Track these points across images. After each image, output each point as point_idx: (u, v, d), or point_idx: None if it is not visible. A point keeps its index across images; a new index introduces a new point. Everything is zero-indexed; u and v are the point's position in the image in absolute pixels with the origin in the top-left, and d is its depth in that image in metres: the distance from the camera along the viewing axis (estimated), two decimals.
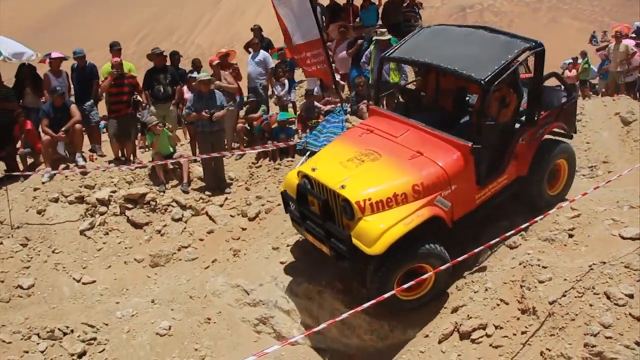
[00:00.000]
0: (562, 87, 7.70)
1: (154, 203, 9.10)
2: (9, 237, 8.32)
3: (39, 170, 9.49)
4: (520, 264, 5.87)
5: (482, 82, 5.93)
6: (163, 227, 8.92)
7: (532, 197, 6.98)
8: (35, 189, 9.10)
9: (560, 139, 7.32)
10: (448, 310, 6.17)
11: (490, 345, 5.37)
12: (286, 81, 11.40)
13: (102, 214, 8.86)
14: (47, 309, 7.32)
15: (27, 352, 6.57)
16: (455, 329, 5.72)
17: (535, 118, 6.69)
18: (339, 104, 10.25)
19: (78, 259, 8.29)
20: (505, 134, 6.62)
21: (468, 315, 5.72)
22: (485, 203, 6.54)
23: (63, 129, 9.35)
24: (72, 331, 6.88)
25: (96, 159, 10.02)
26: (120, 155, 10.02)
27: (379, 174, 6.07)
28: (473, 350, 5.44)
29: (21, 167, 9.93)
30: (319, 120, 10.19)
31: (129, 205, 8.97)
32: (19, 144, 10.08)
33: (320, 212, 6.20)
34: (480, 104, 6.14)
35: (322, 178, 6.24)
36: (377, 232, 5.62)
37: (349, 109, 10.70)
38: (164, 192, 9.29)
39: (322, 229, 6.19)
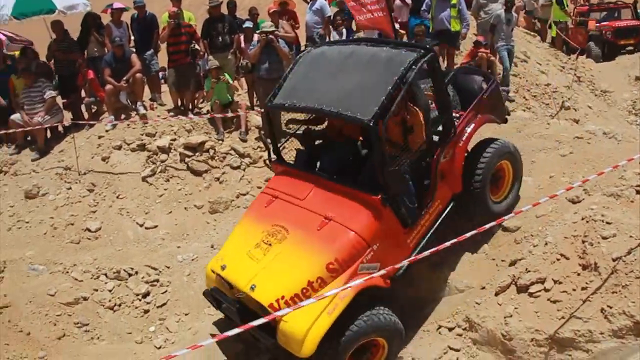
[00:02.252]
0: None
1: (212, 151, 9.24)
2: (76, 183, 8.66)
3: (103, 119, 9.76)
4: (582, 219, 5.67)
5: (368, 124, 5.04)
6: (222, 175, 9.07)
7: (475, 212, 6.34)
8: (99, 137, 9.39)
9: (494, 138, 6.62)
10: (506, 263, 6.08)
11: (548, 299, 5.25)
12: (344, 30, 11.17)
13: (162, 161, 9.07)
14: (113, 251, 7.65)
15: (96, 290, 6.92)
16: (513, 282, 5.64)
17: (450, 129, 5.87)
18: None
19: (141, 205, 8.55)
20: (424, 157, 5.85)
21: (526, 269, 5.61)
22: (424, 238, 5.79)
23: (124, 78, 9.55)
24: (136, 273, 7.18)
25: (156, 107, 10.20)
26: (179, 104, 10.16)
27: (288, 261, 5.32)
28: (530, 304, 5.35)
29: (86, 115, 10.26)
30: None
31: (189, 153, 9.12)
32: (83, 94, 10.38)
33: (239, 319, 5.41)
34: (375, 149, 5.27)
35: (232, 278, 5.55)
36: (300, 333, 4.87)
37: None
38: (223, 140, 9.41)
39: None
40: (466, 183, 6.15)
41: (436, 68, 5.61)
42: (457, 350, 5.64)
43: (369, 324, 5.13)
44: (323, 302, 4.90)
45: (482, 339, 5.56)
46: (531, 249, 5.86)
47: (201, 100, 10.51)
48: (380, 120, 5.05)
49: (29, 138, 9.88)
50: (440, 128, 5.94)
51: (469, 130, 6.18)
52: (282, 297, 5.05)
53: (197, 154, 9.18)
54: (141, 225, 8.27)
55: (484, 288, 5.98)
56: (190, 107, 10.17)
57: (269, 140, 6.56)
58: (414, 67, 5.26)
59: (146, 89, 10.47)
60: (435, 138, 5.91)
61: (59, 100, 10.21)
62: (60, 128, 10.09)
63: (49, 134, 10.02)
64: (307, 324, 4.89)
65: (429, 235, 5.83)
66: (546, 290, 5.32)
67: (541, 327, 5.10)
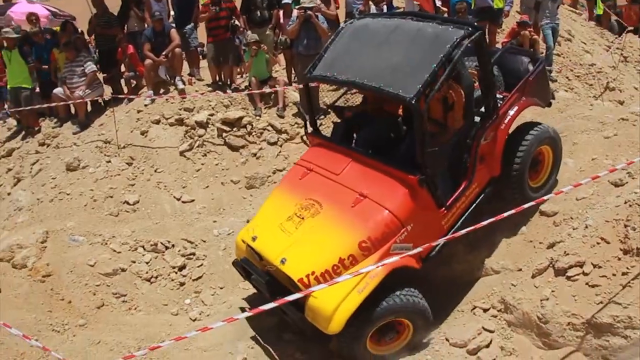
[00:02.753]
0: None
1: (250, 127, 9.27)
2: (116, 156, 8.80)
3: (142, 93, 9.86)
4: (625, 202, 5.52)
5: (410, 102, 4.92)
6: (259, 151, 9.10)
7: (512, 195, 6.18)
8: (138, 111, 9.50)
9: (535, 122, 6.47)
10: (544, 245, 5.98)
11: (587, 284, 5.15)
12: (384, 6, 11.01)
13: (200, 136, 9.13)
14: (150, 224, 7.78)
15: (134, 262, 7.07)
16: (551, 265, 5.54)
17: (493, 111, 5.70)
18: None
19: (178, 179, 8.65)
20: (463, 137, 5.67)
21: (565, 252, 5.50)
22: (459, 220, 5.71)
23: (163, 53, 9.61)
24: (173, 246, 7.30)
25: (195, 82, 10.24)
26: (218, 79, 10.18)
27: (321, 236, 5.30)
28: (568, 287, 5.25)
29: (125, 90, 10.36)
30: None
31: (226, 128, 9.16)
32: (122, 68, 10.49)
33: (268, 292, 5.50)
34: (415, 128, 5.11)
35: (263, 250, 5.55)
36: (329, 310, 4.88)
37: None
38: (260, 116, 9.43)
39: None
40: (505, 167, 5.98)
41: (483, 47, 5.42)
42: (491, 332, 5.59)
43: (395, 305, 5.12)
44: (354, 280, 4.87)
45: (517, 321, 5.50)
46: (570, 232, 5.74)
47: (239, 75, 10.52)
48: (423, 98, 4.95)
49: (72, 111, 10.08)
50: (482, 109, 5.76)
51: (511, 113, 5.99)
52: (313, 273, 5.05)
53: (234, 129, 9.22)
54: (178, 199, 8.37)
55: (520, 270, 5.90)
56: (229, 82, 10.19)
57: (306, 113, 6.54)
58: (460, 45, 5.09)
59: (185, 64, 10.50)
60: (478, 119, 5.76)
61: (100, 75, 10.35)
62: (100, 102, 10.25)
63: (89, 108, 10.17)
64: (336, 301, 4.88)
65: (464, 217, 5.73)
66: (585, 274, 5.21)
67: (578, 311, 5.01)
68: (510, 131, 6.20)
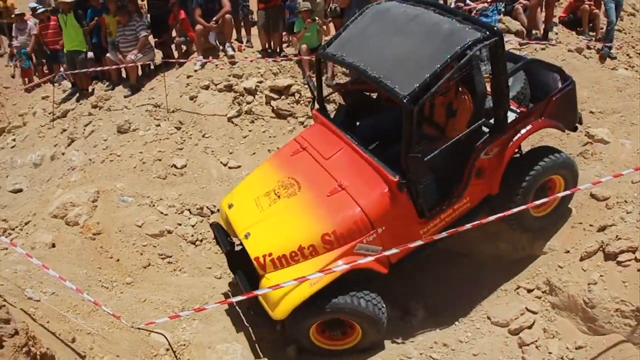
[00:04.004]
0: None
1: (298, 95, 9.22)
2: (165, 120, 8.92)
3: (192, 59, 9.92)
4: None
5: (402, 100, 4.65)
6: (306, 119, 9.05)
7: (508, 221, 5.75)
8: (188, 76, 9.56)
9: (556, 149, 5.95)
10: (594, 228, 5.83)
11: (639, 270, 5.01)
12: None
13: (248, 102, 9.13)
14: (197, 188, 7.90)
15: (180, 224, 7.20)
16: (601, 249, 5.41)
17: (501, 125, 5.29)
18: (492, 3, 9.58)
19: (225, 144, 8.70)
20: (463, 147, 5.26)
21: (617, 236, 5.36)
22: (441, 233, 5.31)
23: (214, 19, 9.61)
24: (218, 210, 7.37)
25: (244, 49, 10.24)
26: (267, 46, 10.15)
27: (289, 219, 5.25)
28: (618, 272, 5.12)
29: (176, 54, 10.45)
30: None
31: (274, 96, 9.13)
32: (174, 33, 10.57)
33: (228, 261, 5.67)
34: (403, 129, 4.76)
35: (233, 219, 5.61)
36: (278, 296, 4.85)
37: (502, 9, 10.01)
38: (309, 84, 9.38)
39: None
40: (506, 188, 5.57)
41: (499, 55, 4.91)
42: (535, 313, 5.53)
43: (346, 305, 4.98)
44: (310, 270, 4.85)
45: (561, 304, 5.42)
46: (624, 215, 5.59)
47: (286, 44, 10.45)
48: (417, 99, 4.67)
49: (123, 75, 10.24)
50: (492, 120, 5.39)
51: (523, 131, 5.50)
52: (270, 255, 5.05)
53: (282, 97, 9.19)
54: (225, 165, 8.44)
55: (568, 252, 5.78)
56: (278, 50, 10.15)
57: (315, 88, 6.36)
58: (471, 48, 4.74)
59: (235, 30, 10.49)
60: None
61: (151, 39, 10.45)
62: (152, 66, 10.36)
63: (140, 72, 10.32)
64: (287, 288, 4.81)
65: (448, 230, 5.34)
66: (637, 260, 5.08)
67: (628, 297, 4.89)
68: (522, 150, 5.94)
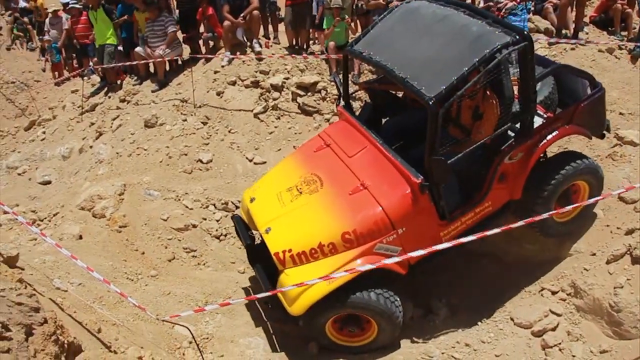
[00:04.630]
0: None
1: (324, 92, 9.23)
2: (192, 115, 9.00)
3: (219, 54, 9.99)
4: None
5: (427, 102, 4.60)
6: (332, 117, 9.06)
7: (532, 226, 5.60)
8: (215, 72, 9.63)
9: (582, 155, 5.82)
10: (621, 231, 5.76)
11: None
12: None
13: (275, 99, 9.17)
14: (222, 183, 7.96)
15: (204, 219, 7.27)
16: (628, 252, 5.33)
17: (527, 130, 5.24)
18: (522, 2, 9.47)
19: (251, 140, 8.76)
20: (488, 151, 5.26)
21: None
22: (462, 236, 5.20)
23: (242, 15, 9.66)
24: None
25: (272, 45, 10.28)
26: (294, 43, 10.17)
27: (310, 216, 5.26)
28: None
29: (203, 50, 10.52)
30: (500, 18, 9.52)
31: (301, 93, 9.16)
32: (202, 29, 10.64)
33: (248, 254, 5.73)
34: (427, 131, 4.71)
35: (255, 213, 5.64)
36: (296, 292, 4.85)
37: (532, 8, 9.89)
38: (335, 81, 9.37)
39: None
40: (529, 192, 5.49)
41: (528, 59, 4.85)
42: (559, 315, 5.47)
43: (363, 300, 4.96)
44: (329, 268, 4.87)
45: (586, 307, 5.36)
46: None
47: (312, 41, 10.46)
48: (443, 101, 4.61)
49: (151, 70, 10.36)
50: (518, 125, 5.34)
51: (549, 137, 5.44)
52: (290, 250, 5.05)
53: (308, 93, 9.21)
54: (250, 160, 8.49)
55: (594, 254, 5.72)
56: (305, 46, 10.17)
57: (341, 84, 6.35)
58: (500, 52, 4.68)
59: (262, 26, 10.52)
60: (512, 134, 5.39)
61: (179, 35, 10.55)
62: (179, 61, 10.46)
63: (168, 67, 10.42)
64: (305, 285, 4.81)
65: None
66: None
67: None
68: (547, 154, 5.84)
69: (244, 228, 5.91)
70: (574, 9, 9.58)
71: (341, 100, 6.34)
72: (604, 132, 6.06)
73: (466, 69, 4.63)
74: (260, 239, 5.70)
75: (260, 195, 5.84)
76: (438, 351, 5.38)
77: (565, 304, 5.58)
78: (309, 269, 4.96)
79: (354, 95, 6.68)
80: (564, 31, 9.39)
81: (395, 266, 5.04)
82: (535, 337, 5.38)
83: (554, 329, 5.37)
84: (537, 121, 5.43)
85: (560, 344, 5.20)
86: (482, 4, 10.06)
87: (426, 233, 5.16)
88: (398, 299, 5.14)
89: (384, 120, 6.41)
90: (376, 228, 4.99)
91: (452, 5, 5.37)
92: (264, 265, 5.46)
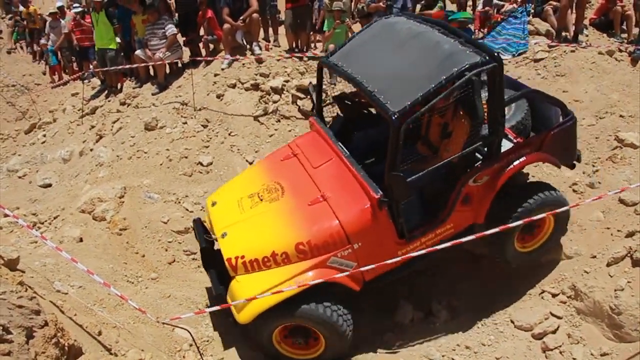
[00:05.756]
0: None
1: (324, 95, 9.20)
2: (192, 118, 9.01)
3: (219, 57, 10.00)
4: None
5: (391, 117, 4.56)
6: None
7: (490, 250, 5.74)
8: (215, 75, 9.64)
9: (551, 186, 5.67)
10: (622, 233, 5.78)
11: None
12: None
13: (275, 102, 9.17)
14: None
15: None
16: (628, 255, 5.36)
17: (494, 154, 5.17)
18: (521, 4, 9.49)
19: (251, 143, 8.75)
20: (452, 173, 5.21)
21: None
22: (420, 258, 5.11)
23: (241, 18, 9.68)
24: None
25: (271, 48, 10.29)
26: (294, 46, 10.19)
27: (266, 224, 5.23)
28: None
29: (203, 53, 10.54)
30: (499, 20, 9.55)
31: (301, 95, 9.15)
32: (202, 32, 10.66)
33: (202, 258, 5.74)
34: (389, 146, 4.65)
35: (214, 217, 5.67)
36: (244, 298, 4.81)
37: (532, 10, 9.90)
38: (335, 85, 9.36)
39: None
40: (493, 218, 5.31)
41: (496, 81, 4.80)
42: (559, 318, 5.48)
43: (311, 312, 4.87)
44: (279, 278, 4.82)
45: (587, 310, 5.37)
46: None
47: (313, 44, 10.47)
48: (407, 117, 4.56)
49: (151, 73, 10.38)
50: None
51: (516, 162, 5.34)
52: (242, 257, 5.01)
53: (308, 96, 9.18)
54: (250, 163, 8.47)
55: (594, 257, 5.72)
56: (305, 49, 10.18)
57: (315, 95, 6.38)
58: (468, 71, 4.63)
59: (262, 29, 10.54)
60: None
61: (179, 38, 10.56)
62: (179, 64, 10.48)
63: (168, 70, 10.43)
64: (254, 293, 4.78)
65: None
66: None
67: None
68: (516, 181, 5.73)
69: (202, 231, 5.89)
70: (574, 11, 9.59)
71: (314, 110, 6.35)
72: (575, 162, 5.97)
73: (432, 86, 4.61)
74: (205, 241, 5.71)
75: (222, 200, 5.84)
76: (439, 354, 5.39)
77: (565, 306, 5.58)
78: (261, 278, 4.92)
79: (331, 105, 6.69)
80: (564, 33, 9.40)
81: (347, 281, 4.98)
82: (536, 339, 5.38)
83: (554, 332, 5.37)
84: (507, 145, 5.41)
85: (560, 346, 5.20)
86: (480, 7, 10.09)
87: (383, 251, 5.07)
88: (349, 314, 5.06)
89: (354, 134, 6.29)
90: (331, 241, 4.94)
91: (429, 23, 5.39)
92: (218, 270, 5.42)
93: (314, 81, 6.57)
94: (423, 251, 4.95)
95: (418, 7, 10.35)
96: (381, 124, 5.82)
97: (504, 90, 4.93)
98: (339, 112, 6.55)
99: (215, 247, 5.74)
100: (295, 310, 4.83)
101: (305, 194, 5.31)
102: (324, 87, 6.38)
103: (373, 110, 6.35)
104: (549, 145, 5.48)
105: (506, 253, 5.67)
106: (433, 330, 5.84)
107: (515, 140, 5.64)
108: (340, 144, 5.63)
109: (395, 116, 4.54)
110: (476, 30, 9.87)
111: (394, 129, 4.55)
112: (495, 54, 4.78)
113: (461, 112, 5.19)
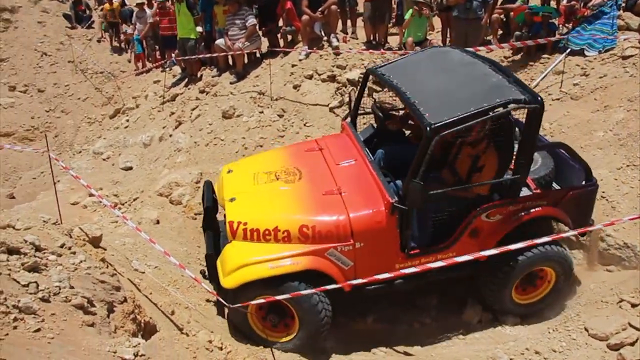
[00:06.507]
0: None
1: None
2: (268, 107, 9.13)
3: (297, 48, 10.08)
4: None
5: (426, 127, 4.56)
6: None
7: (485, 294, 5.54)
8: (292, 66, 9.74)
9: (557, 241, 5.38)
10: None
11: None
12: None
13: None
14: None
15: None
16: None
17: (512, 194, 5.11)
18: None
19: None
20: (466, 203, 5.14)
21: None
22: (417, 278, 5.08)
23: (320, 9, 9.71)
24: None
25: (349, 40, 10.28)
26: (372, 38, 10.14)
27: (277, 200, 5.26)
28: None
29: (282, 43, 10.65)
30: (586, 15, 9.13)
31: (377, 88, 9.09)
32: (280, 23, 10.78)
33: (204, 219, 5.76)
34: (417, 153, 4.66)
35: (226, 183, 5.70)
36: (235, 263, 4.81)
37: (623, 4, 9.41)
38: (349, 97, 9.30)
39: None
40: (494, 260, 5.13)
41: (533, 124, 4.82)
42: (638, 330, 5.19)
43: (294, 290, 4.78)
44: (275, 252, 4.84)
45: None
46: None
47: (388, 33, 10.38)
48: (440, 131, 4.56)
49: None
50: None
51: (531, 210, 5.28)
52: (245, 223, 5.02)
53: (385, 89, 9.13)
54: None
55: None
56: (383, 42, 10.12)
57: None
58: (510, 105, 4.68)
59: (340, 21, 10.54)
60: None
61: (258, 28, 10.72)
62: (257, 54, 10.63)
63: (246, 60, 10.61)
64: (246, 261, 4.82)
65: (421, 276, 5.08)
66: None
67: None
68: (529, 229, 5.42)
69: (210, 192, 6.00)
70: None
71: (349, 114, 6.44)
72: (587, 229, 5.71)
73: (472, 109, 4.63)
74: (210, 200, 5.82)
75: (238, 170, 5.98)
76: (506, 356, 5.24)
77: None
78: (256, 248, 4.93)
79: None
80: None
81: (338, 274, 4.97)
82: (611, 350, 5.11)
83: (632, 344, 5.08)
84: (525, 192, 5.35)
85: None
86: (566, 1, 9.68)
87: (382, 258, 5.06)
88: (330, 306, 5.03)
89: (382, 147, 6.25)
90: (336, 232, 4.93)
91: (482, 59, 5.48)
92: (215, 234, 5.57)
93: (377, 97, 6.61)
94: (417, 269, 4.87)
95: (500, 0, 10.06)
96: (408, 146, 5.93)
97: (538, 133, 4.97)
98: (374, 122, 6.62)
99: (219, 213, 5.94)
100: (281, 285, 4.82)
101: (321, 184, 5.38)
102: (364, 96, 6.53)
103: (406, 132, 6.52)
104: (566, 204, 5.43)
105: (503, 303, 5.60)
106: (501, 332, 5.68)
107: (534, 191, 5.53)
108: (367, 150, 5.70)
109: (430, 127, 4.57)
110: (560, 25, 9.47)
111: (427, 138, 4.57)
112: (539, 98, 4.78)
113: (493, 148, 5.14)
